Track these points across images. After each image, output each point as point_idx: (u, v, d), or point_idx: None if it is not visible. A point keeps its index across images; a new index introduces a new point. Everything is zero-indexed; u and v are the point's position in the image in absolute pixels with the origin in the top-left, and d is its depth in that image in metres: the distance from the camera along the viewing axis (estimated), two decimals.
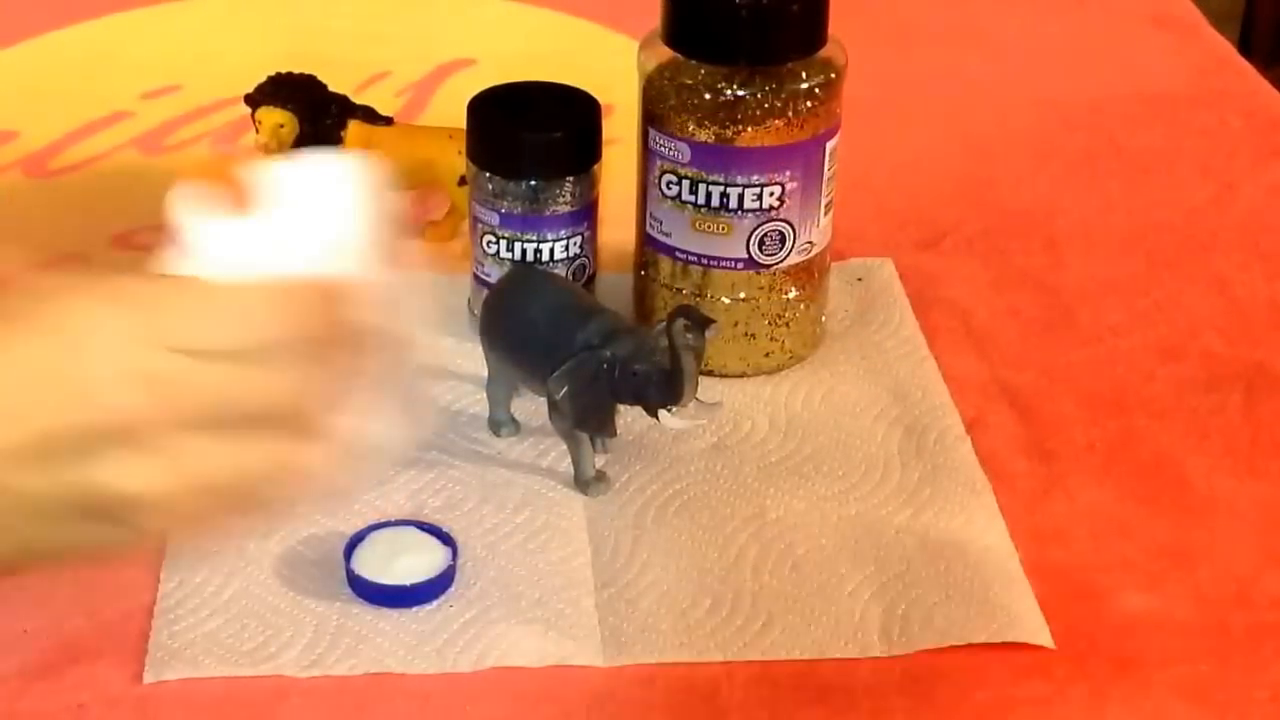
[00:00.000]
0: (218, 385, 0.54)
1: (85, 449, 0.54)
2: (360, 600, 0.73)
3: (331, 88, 0.96)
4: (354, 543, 0.75)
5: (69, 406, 0.54)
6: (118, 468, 0.54)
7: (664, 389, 0.76)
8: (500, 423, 0.82)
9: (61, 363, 0.54)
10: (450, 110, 0.94)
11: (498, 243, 0.86)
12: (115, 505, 0.54)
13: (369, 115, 0.96)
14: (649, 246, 0.87)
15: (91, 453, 0.54)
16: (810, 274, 0.87)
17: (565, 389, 0.77)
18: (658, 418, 0.76)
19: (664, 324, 0.75)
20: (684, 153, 0.84)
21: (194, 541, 0.57)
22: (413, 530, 0.75)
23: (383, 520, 0.76)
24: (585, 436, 0.79)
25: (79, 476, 0.54)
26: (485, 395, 0.83)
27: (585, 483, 0.79)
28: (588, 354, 0.76)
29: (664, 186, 0.85)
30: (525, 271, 0.84)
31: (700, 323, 0.75)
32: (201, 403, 0.54)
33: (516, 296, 0.80)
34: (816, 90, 0.83)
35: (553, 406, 0.78)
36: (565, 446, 0.80)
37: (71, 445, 0.54)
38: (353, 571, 0.73)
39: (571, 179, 0.85)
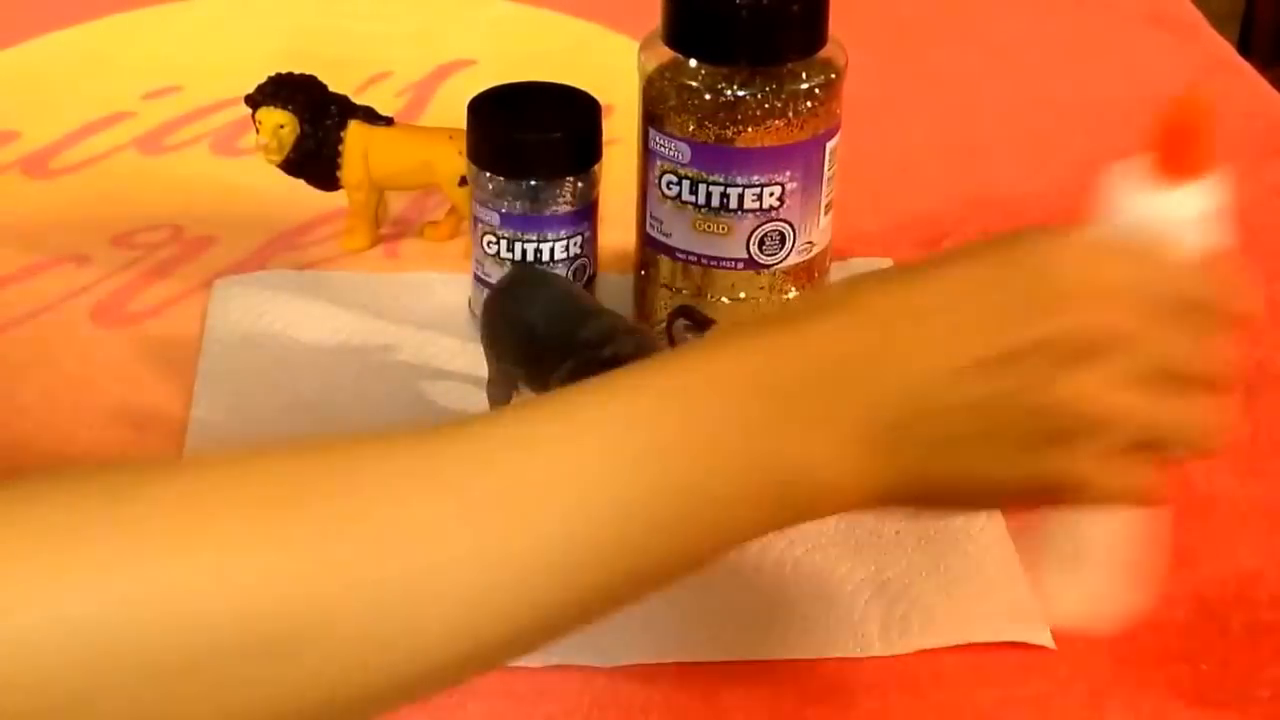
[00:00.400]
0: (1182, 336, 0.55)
1: (1036, 369, 0.52)
2: None
3: (332, 88, 0.96)
4: None
5: (1032, 324, 0.52)
6: (1072, 390, 0.52)
7: None
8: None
9: (1027, 278, 0.54)
10: (451, 111, 0.94)
11: (498, 243, 0.86)
12: (1058, 436, 0.53)
13: (369, 116, 0.96)
14: (649, 246, 0.87)
15: (1044, 376, 0.52)
16: (810, 274, 0.88)
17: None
18: None
19: (664, 323, 0.75)
20: (684, 153, 0.84)
21: None
22: None
23: None
24: None
25: (1030, 403, 0.52)
26: (485, 396, 0.83)
27: None
28: (589, 353, 0.76)
29: (664, 186, 0.85)
30: (525, 272, 0.84)
31: (700, 322, 0.75)
32: (1167, 351, 0.54)
33: (517, 297, 0.80)
34: (817, 90, 0.83)
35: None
36: None
37: (1024, 364, 0.52)
38: None
39: (572, 179, 0.85)
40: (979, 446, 0.53)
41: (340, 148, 0.94)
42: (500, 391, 0.82)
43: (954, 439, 0.53)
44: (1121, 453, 0.53)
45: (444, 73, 1.16)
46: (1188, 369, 0.54)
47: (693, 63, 0.83)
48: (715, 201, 0.84)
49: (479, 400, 0.84)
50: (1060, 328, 0.52)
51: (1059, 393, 0.52)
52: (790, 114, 0.82)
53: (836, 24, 0.84)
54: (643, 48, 0.85)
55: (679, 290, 0.87)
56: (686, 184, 0.84)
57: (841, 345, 0.53)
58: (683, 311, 0.75)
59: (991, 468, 0.53)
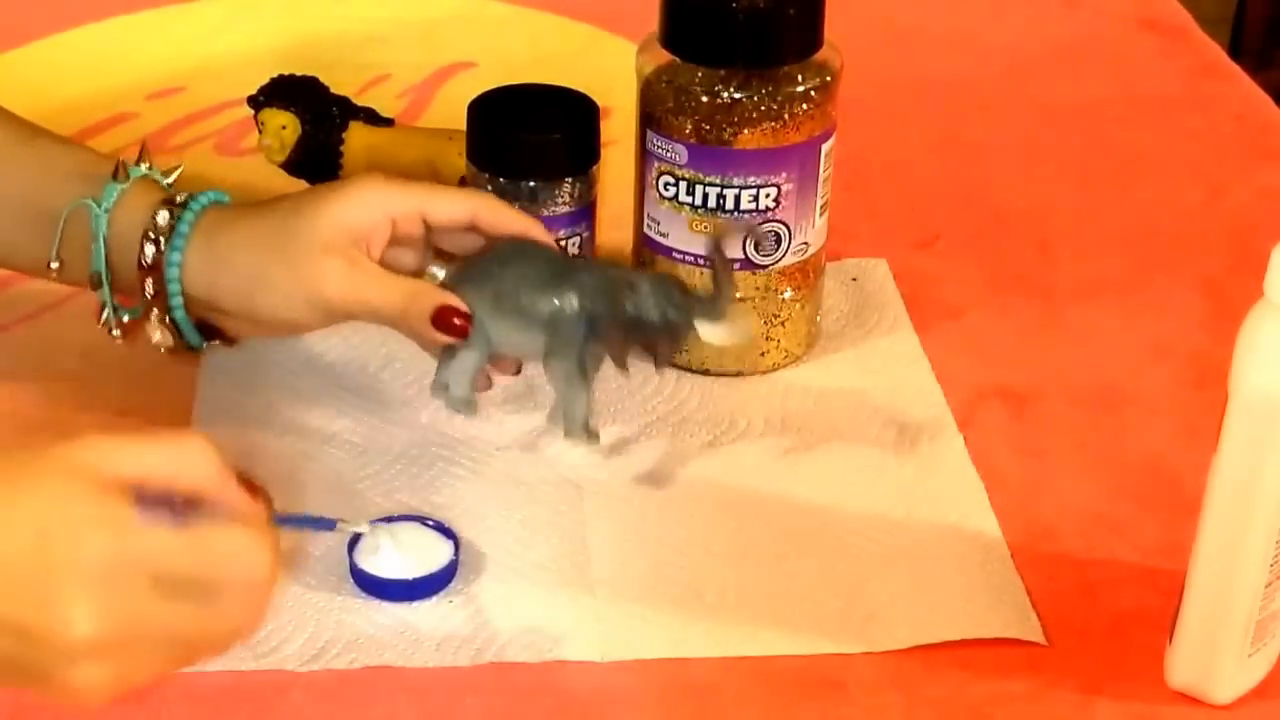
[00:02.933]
0: (172, 611, 0.56)
1: (34, 649, 0.54)
2: (361, 595, 0.74)
3: (333, 90, 0.96)
4: (357, 537, 0.76)
5: (31, 607, 0.54)
6: (67, 675, 0.55)
7: (708, 307, 0.76)
8: (465, 401, 0.80)
9: (40, 553, 0.54)
10: (451, 112, 0.94)
11: None
12: (61, 695, 0.55)
13: (370, 117, 0.96)
14: (647, 247, 0.88)
15: (41, 654, 0.55)
16: (806, 274, 0.88)
17: (622, 305, 0.76)
18: (688, 329, 0.76)
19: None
20: (681, 154, 0.84)
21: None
22: (415, 525, 0.76)
23: (386, 515, 0.77)
24: (587, 382, 0.78)
25: (26, 665, 0.55)
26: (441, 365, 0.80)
27: (579, 431, 0.78)
28: (617, 287, 0.76)
29: (661, 187, 0.86)
30: (509, 242, 0.80)
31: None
32: (157, 624, 0.56)
33: (508, 257, 0.78)
34: (812, 93, 0.84)
35: (562, 345, 0.76)
36: (564, 394, 0.78)
37: (19, 638, 0.54)
38: (356, 565, 0.74)
39: (570, 180, 0.86)
40: None
41: (342, 148, 0.95)
42: (473, 361, 0.79)
43: None
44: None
45: (444, 75, 1.16)
46: (183, 630, 0.56)
47: (690, 65, 0.84)
48: (712, 202, 0.85)
49: (480, 399, 0.84)
50: (42, 621, 0.54)
51: (50, 677, 0.55)
52: (786, 116, 0.83)
53: (832, 27, 0.85)
54: (641, 50, 0.86)
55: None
56: (683, 185, 0.85)
57: None
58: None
59: None
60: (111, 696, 0.56)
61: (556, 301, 0.76)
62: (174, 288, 0.78)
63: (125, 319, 0.80)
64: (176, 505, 0.57)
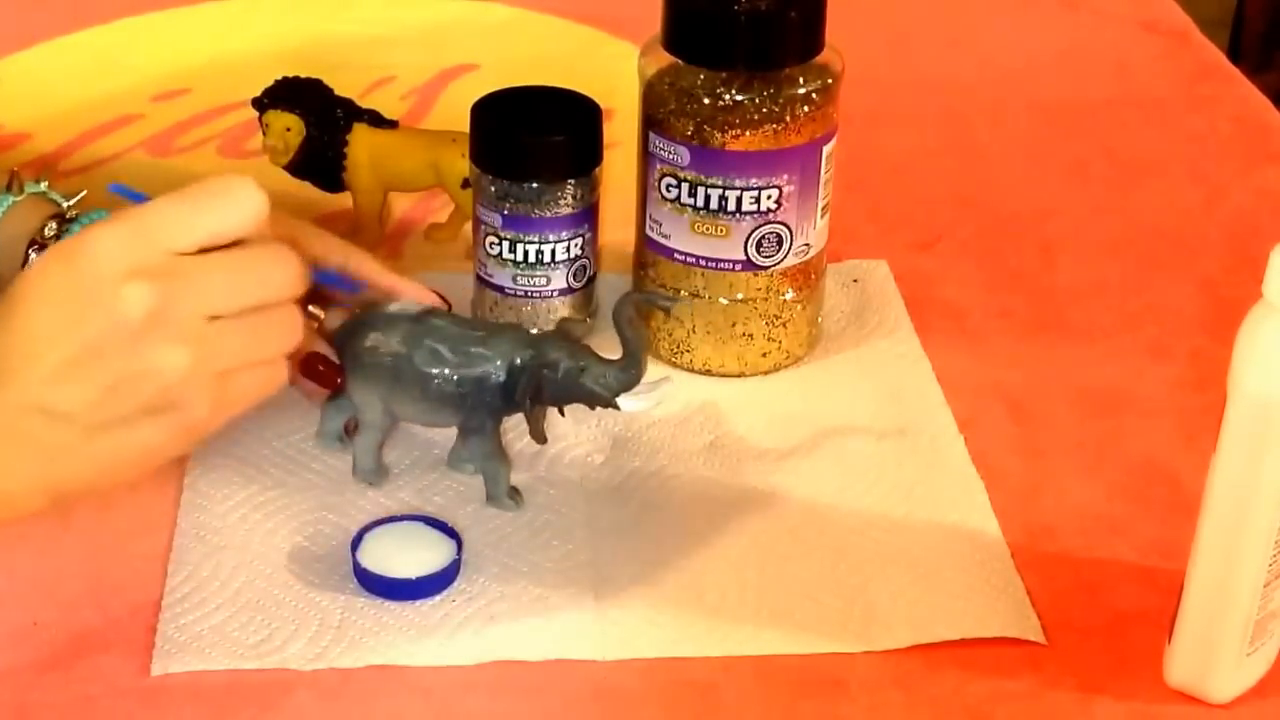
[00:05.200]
0: (214, 276, 0.60)
1: (117, 351, 0.58)
2: (364, 594, 0.74)
3: (338, 92, 0.97)
4: (360, 536, 0.76)
5: (90, 317, 0.58)
6: (154, 359, 0.59)
7: (621, 375, 0.76)
8: (374, 472, 0.80)
9: (73, 278, 0.58)
10: (454, 114, 0.94)
11: (500, 244, 0.87)
12: (166, 396, 0.59)
13: (374, 119, 0.97)
14: (649, 248, 0.89)
15: (127, 352, 0.58)
16: (807, 275, 0.89)
17: (531, 405, 0.76)
18: (613, 406, 0.77)
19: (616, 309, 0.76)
20: (683, 156, 0.85)
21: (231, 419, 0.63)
22: (419, 525, 0.77)
23: (389, 515, 0.78)
24: (505, 454, 0.79)
25: (125, 374, 0.59)
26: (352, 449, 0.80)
27: (503, 499, 0.79)
28: (535, 368, 0.76)
29: (663, 189, 0.86)
30: (379, 309, 0.79)
31: (663, 306, 0.76)
32: (203, 292, 0.60)
33: (390, 335, 0.77)
34: (814, 95, 0.84)
35: (477, 423, 0.77)
36: (487, 470, 0.79)
37: (103, 351, 0.58)
38: (359, 564, 0.75)
39: (573, 181, 0.86)
40: (111, 430, 0.61)
41: (345, 150, 0.95)
42: (373, 439, 0.79)
43: (86, 429, 0.60)
44: (217, 377, 0.61)
45: (448, 77, 1.17)
46: (232, 301, 0.61)
47: (692, 67, 0.84)
48: (714, 204, 0.85)
49: None
50: (110, 316, 0.59)
51: (142, 370, 0.60)
52: (787, 118, 0.83)
53: (833, 30, 0.85)
54: (643, 53, 0.86)
55: (678, 291, 0.88)
56: (685, 186, 0.85)
57: None
58: (641, 297, 0.76)
59: (129, 439, 0.61)
60: (210, 401, 0.60)
61: (467, 378, 0.76)
62: None
63: None
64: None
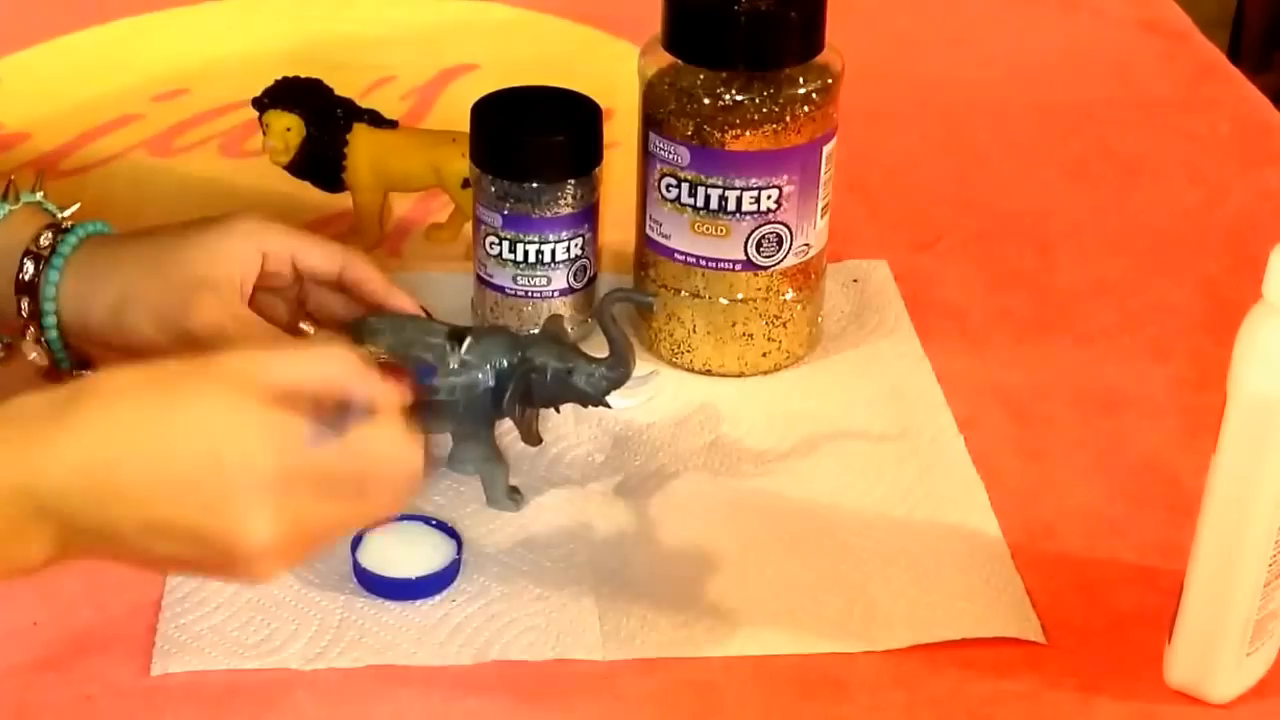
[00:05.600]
0: (331, 505, 0.60)
1: (214, 552, 0.59)
2: (364, 593, 0.74)
3: (338, 92, 0.97)
4: (360, 536, 0.76)
5: (209, 514, 0.58)
6: (245, 572, 0.60)
7: (609, 374, 0.76)
8: None
9: (213, 459, 0.58)
10: (454, 114, 0.95)
11: (500, 244, 0.87)
12: (233, 552, 0.59)
13: (374, 119, 0.97)
14: (649, 248, 0.89)
15: (221, 554, 0.59)
16: (807, 275, 0.89)
17: (520, 410, 0.77)
18: (603, 404, 0.77)
19: (598, 307, 0.76)
20: (683, 156, 0.85)
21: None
22: (419, 525, 0.77)
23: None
24: (501, 457, 0.79)
25: (205, 562, 0.60)
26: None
27: (503, 500, 0.79)
28: (523, 372, 0.76)
29: (663, 189, 0.86)
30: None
31: (640, 305, 0.75)
32: (318, 524, 0.61)
33: (378, 346, 0.76)
34: (814, 95, 0.84)
35: (471, 429, 0.77)
36: (484, 473, 0.79)
37: (203, 543, 0.59)
38: (359, 564, 0.75)
39: (573, 181, 0.86)
40: (168, 566, 0.65)
41: (345, 150, 0.95)
42: None
43: (145, 561, 0.62)
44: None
45: (448, 77, 1.17)
46: (347, 511, 0.62)
47: (692, 67, 0.84)
48: (714, 204, 0.85)
49: None
50: (220, 528, 0.59)
51: (229, 574, 0.61)
52: (787, 118, 0.83)
53: (833, 30, 0.85)
54: (643, 53, 0.86)
55: (678, 291, 0.88)
56: (685, 186, 0.85)
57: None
58: (621, 295, 0.76)
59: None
60: (281, 566, 0.61)
61: (457, 384, 0.76)
62: (48, 307, 0.80)
63: (7, 342, 0.82)
64: (328, 414, 0.61)
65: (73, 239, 0.80)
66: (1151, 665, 0.72)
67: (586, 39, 1.22)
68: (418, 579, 0.74)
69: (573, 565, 0.77)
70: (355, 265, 0.81)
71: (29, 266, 0.79)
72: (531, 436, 0.78)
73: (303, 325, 0.82)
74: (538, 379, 0.76)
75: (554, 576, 0.76)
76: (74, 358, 0.82)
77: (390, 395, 0.62)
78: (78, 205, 0.84)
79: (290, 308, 0.83)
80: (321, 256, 0.80)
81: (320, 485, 0.60)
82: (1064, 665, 0.72)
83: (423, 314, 0.80)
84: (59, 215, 0.82)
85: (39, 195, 0.83)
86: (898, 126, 1.12)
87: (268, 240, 0.80)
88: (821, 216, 0.87)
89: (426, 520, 0.77)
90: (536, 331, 0.79)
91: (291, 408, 0.60)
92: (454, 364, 0.76)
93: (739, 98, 0.83)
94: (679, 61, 0.84)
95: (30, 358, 0.81)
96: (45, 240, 0.80)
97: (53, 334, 0.80)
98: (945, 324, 0.94)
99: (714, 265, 0.86)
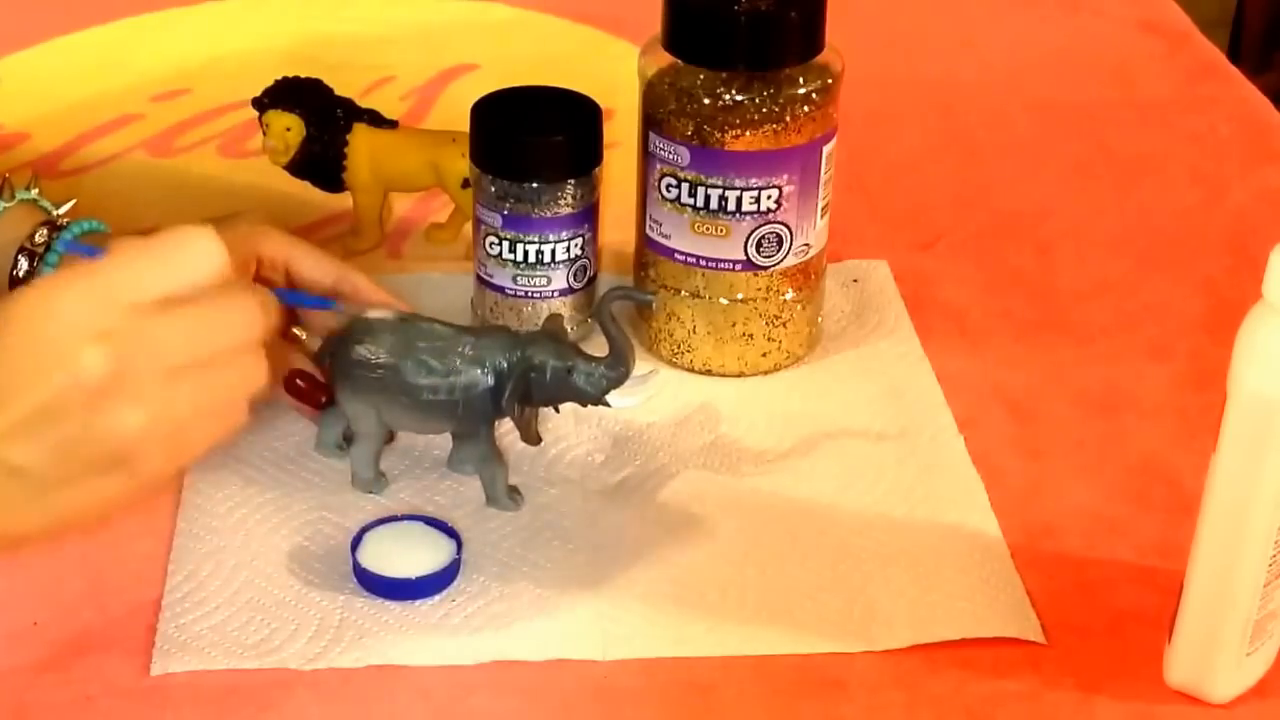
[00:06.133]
0: (173, 332, 0.59)
1: (74, 410, 0.58)
2: (364, 594, 0.75)
3: (338, 92, 0.97)
4: (360, 536, 0.76)
5: (49, 375, 0.58)
6: (111, 420, 0.58)
7: (609, 373, 0.76)
8: (372, 481, 0.80)
9: (33, 336, 0.58)
10: (454, 114, 0.95)
11: (500, 244, 0.87)
12: (120, 454, 0.59)
13: (374, 119, 0.97)
14: (649, 248, 0.89)
15: (84, 413, 0.58)
16: (807, 275, 0.89)
17: (519, 410, 0.77)
18: (603, 404, 0.77)
19: (597, 307, 0.76)
20: (683, 156, 0.85)
21: (178, 470, 0.62)
22: (418, 525, 0.77)
23: (389, 515, 0.78)
24: (500, 457, 0.79)
25: (80, 434, 0.58)
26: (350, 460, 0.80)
27: (503, 500, 0.79)
28: (522, 372, 0.76)
29: (663, 189, 0.86)
30: (362, 320, 0.79)
31: (639, 302, 0.76)
32: (162, 350, 0.59)
33: (378, 346, 0.76)
34: (814, 95, 0.84)
35: (470, 429, 0.77)
36: (484, 473, 0.79)
37: (60, 410, 0.58)
38: (359, 564, 0.75)
39: (573, 181, 0.86)
40: (64, 486, 0.60)
41: (345, 150, 0.95)
42: (370, 448, 0.79)
43: (39, 485, 0.60)
44: (173, 430, 0.60)
45: (448, 77, 1.17)
46: (190, 354, 0.60)
47: (692, 67, 0.84)
48: (714, 204, 0.85)
49: None
50: (68, 377, 0.58)
51: (98, 431, 0.59)
52: (787, 118, 0.83)
53: (833, 30, 0.85)
54: (643, 53, 0.87)
55: (678, 291, 0.88)
56: (685, 186, 0.85)
57: None
58: (621, 294, 0.77)
59: (83, 494, 0.61)
60: (164, 456, 0.60)
61: (457, 384, 0.76)
62: None
63: None
64: None
65: (68, 236, 0.80)
66: (1151, 665, 0.72)
67: (586, 39, 1.22)
68: (417, 579, 0.74)
69: (573, 565, 0.77)
70: (350, 278, 0.81)
71: (23, 263, 0.79)
72: (531, 436, 0.79)
73: (295, 330, 0.82)
74: (537, 378, 0.76)
75: (554, 576, 0.76)
76: None
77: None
78: (73, 202, 0.84)
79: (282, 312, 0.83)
80: (316, 268, 0.81)
81: (145, 308, 0.59)
82: (1064, 665, 0.72)
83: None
84: (54, 212, 0.82)
85: (34, 192, 0.83)
86: (898, 126, 1.12)
87: (264, 245, 0.80)
88: (821, 216, 0.88)
89: (426, 520, 0.77)
90: (536, 330, 0.79)
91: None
92: (454, 363, 0.76)
93: (739, 98, 0.83)
94: (679, 61, 0.84)
95: None
96: (40, 237, 0.80)
97: None
98: (945, 324, 0.94)
99: (714, 265, 0.87)
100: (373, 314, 0.78)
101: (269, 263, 0.80)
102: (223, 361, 0.61)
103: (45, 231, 0.80)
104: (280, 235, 0.81)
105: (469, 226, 0.92)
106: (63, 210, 0.83)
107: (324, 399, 0.79)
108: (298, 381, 0.79)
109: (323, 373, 0.79)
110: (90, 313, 0.58)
